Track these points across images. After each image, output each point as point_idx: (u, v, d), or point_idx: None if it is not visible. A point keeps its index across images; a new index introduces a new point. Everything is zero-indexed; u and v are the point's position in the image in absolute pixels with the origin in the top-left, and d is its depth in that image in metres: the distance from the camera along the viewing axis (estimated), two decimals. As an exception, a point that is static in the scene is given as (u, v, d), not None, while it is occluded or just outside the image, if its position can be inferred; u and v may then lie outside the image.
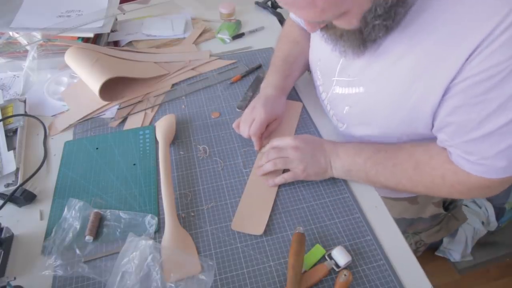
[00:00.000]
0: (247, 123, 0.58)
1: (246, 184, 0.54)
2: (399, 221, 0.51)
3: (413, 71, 0.42)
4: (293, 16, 0.70)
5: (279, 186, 0.55)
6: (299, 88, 0.72)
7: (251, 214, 0.50)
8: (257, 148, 0.59)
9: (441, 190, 0.48)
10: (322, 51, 0.57)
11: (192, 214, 0.52)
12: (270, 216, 0.51)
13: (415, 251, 0.48)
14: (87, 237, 0.48)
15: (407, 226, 0.78)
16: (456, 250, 1.10)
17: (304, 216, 0.51)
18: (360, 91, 0.50)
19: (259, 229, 0.49)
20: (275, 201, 0.52)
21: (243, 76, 0.75)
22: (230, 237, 0.49)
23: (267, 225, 0.50)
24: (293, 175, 0.53)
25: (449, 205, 0.86)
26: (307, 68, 0.68)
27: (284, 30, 0.72)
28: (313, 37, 0.61)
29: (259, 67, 0.77)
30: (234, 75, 0.75)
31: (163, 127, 0.62)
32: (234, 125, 0.61)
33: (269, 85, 0.63)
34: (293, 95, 0.70)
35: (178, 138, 0.63)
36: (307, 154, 0.52)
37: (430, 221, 0.81)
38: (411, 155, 0.49)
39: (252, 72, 0.76)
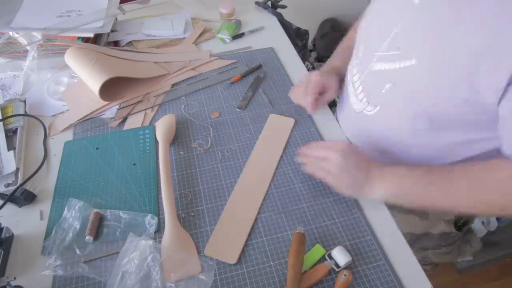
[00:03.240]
0: (302, 85, 0.61)
1: (225, 207, 0.51)
2: (405, 236, 0.48)
3: (485, 41, 0.38)
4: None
5: (277, 186, 0.55)
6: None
7: (227, 240, 0.48)
8: (310, 111, 0.61)
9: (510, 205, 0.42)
10: (377, 22, 0.54)
11: (192, 214, 0.51)
12: (271, 216, 0.51)
13: (422, 267, 0.46)
14: (87, 237, 0.48)
15: (414, 241, 0.72)
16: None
17: (304, 216, 0.51)
18: (411, 64, 0.46)
19: (233, 257, 0.46)
20: (255, 223, 0.49)
21: (243, 76, 0.75)
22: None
23: (268, 225, 0.50)
24: (327, 176, 0.50)
25: (462, 226, 0.80)
26: None
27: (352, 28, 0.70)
28: (373, 9, 0.57)
29: (259, 67, 0.77)
30: (234, 75, 0.75)
31: (163, 127, 0.62)
32: (289, 93, 0.66)
33: (327, 65, 0.67)
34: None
35: (178, 138, 0.63)
36: (351, 164, 0.48)
37: (439, 239, 0.75)
38: (470, 171, 0.44)
39: (252, 72, 0.76)
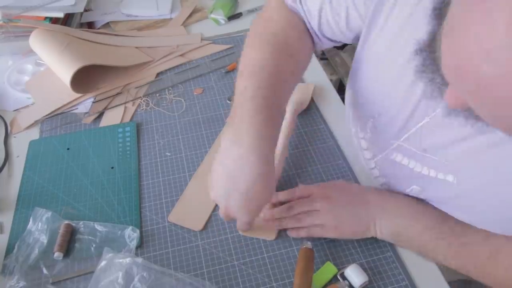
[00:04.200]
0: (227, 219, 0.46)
1: (194, 173, 0.56)
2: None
3: None
4: (292, 4, 0.49)
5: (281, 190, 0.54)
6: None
7: (194, 207, 0.52)
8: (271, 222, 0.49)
9: None
10: (391, 96, 0.42)
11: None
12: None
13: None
14: (56, 254, 0.48)
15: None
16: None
17: (313, 228, 0.51)
18: (445, 179, 0.41)
19: (198, 225, 0.51)
20: None
21: None
22: (226, 254, 0.49)
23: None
24: (323, 232, 0.47)
25: None
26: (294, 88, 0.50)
27: (268, 21, 0.50)
28: (379, 64, 0.43)
29: None
30: (230, 62, 0.75)
31: (293, 95, 0.52)
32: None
33: (254, 135, 0.41)
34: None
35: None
36: (342, 206, 0.47)
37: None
38: (489, 240, 0.42)
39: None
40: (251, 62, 0.45)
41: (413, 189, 0.46)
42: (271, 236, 0.50)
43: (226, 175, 0.42)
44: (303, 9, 0.48)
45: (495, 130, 0.30)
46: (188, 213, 0.52)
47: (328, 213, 0.47)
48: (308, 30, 0.50)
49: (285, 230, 0.50)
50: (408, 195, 0.48)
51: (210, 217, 0.52)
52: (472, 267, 0.44)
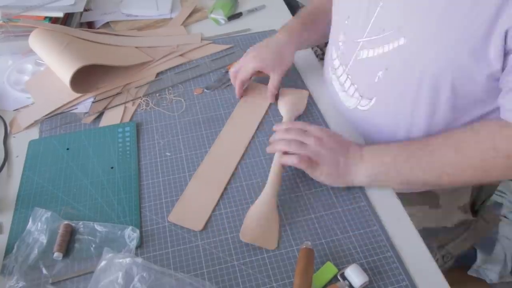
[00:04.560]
0: (236, 65, 0.65)
1: (194, 173, 0.57)
2: (421, 233, 0.51)
3: None
4: None
5: (281, 193, 0.54)
6: (305, 74, 0.72)
7: (194, 207, 0.53)
8: (237, 95, 0.66)
9: (496, 166, 0.47)
10: (354, 5, 0.55)
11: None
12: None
13: (442, 266, 0.49)
14: (56, 254, 0.48)
15: (431, 238, 0.76)
16: (493, 269, 1.09)
17: (313, 228, 0.51)
18: (400, 44, 0.49)
19: (198, 224, 0.51)
20: (221, 197, 0.54)
21: None
22: (226, 254, 0.49)
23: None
24: (305, 164, 0.51)
25: (480, 207, 0.84)
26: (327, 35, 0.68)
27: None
28: None
29: None
30: (230, 62, 0.75)
31: (290, 101, 0.65)
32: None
33: (283, 28, 0.66)
34: (298, 83, 0.70)
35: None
36: (328, 149, 0.52)
37: (456, 230, 0.80)
38: (449, 137, 0.49)
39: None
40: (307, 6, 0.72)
41: (379, 76, 0.53)
42: (272, 245, 0.49)
43: (270, 50, 0.64)
44: None
45: None
46: (188, 213, 0.52)
47: (314, 150, 0.51)
48: None
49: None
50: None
51: (210, 217, 0.52)
52: (448, 168, 0.49)
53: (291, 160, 0.52)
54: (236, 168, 0.58)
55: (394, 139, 0.58)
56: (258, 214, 0.51)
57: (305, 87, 0.70)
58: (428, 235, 0.72)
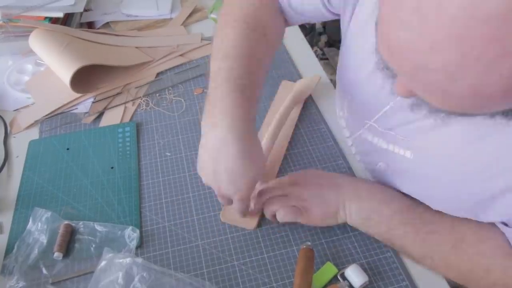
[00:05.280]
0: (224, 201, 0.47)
1: None
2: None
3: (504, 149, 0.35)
4: None
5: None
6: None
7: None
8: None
9: (479, 285, 0.43)
10: (365, 77, 0.45)
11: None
12: (273, 228, 0.51)
13: None
14: (56, 254, 0.48)
15: None
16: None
17: (313, 228, 0.51)
18: (404, 155, 0.43)
19: (251, 223, 0.50)
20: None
21: None
22: (225, 254, 0.49)
23: (270, 239, 0.50)
24: (293, 213, 0.47)
25: None
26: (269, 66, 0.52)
27: (241, 1, 0.51)
28: (355, 45, 0.46)
29: None
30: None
31: (296, 86, 0.65)
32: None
33: (229, 115, 0.41)
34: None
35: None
36: (311, 191, 0.48)
37: None
38: (455, 228, 0.44)
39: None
40: (224, 43, 0.46)
41: (380, 166, 0.48)
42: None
43: (210, 158, 0.43)
44: None
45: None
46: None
47: (297, 197, 0.47)
48: (280, 7, 0.52)
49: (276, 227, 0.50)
50: (379, 183, 0.50)
51: (262, 215, 0.51)
52: (436, 256, 0.44)
53: (279, 217, 0.48)
54: (281, 164, 0.58)
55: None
56: None
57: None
58: None
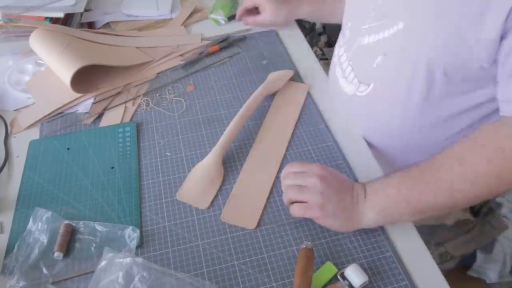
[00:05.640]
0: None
1: (240, 171, 0.57)
2: (419, 230, 0.50)
3: None
4: None
5: (279, 194, 0.54)
6: (305, 75, 0.72)
7: (244, 205, 0.53)
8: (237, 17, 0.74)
9: (509, 168, 0.44)
10: None
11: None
12: (273, 228, 0.51)
13: (440, 266, 0.48)
14: (56, 254, 0.48)
15: (428, 235, 0.76)
16: (493, 269, 1.09)
17: (313, 228, 0.51)
18: (398, 28, 0.51)
19: (252, 223, 0.51)
20: (271, 193, 0.55)
21: (222, 47, 0.77)
22: (226, 254, 0.49)
23: (269, 239, 0.50)
24: (305, 210, 0.48)
25: (480, 209, 0.82)
26: (340, 15, 0.68)
27: None
28: None
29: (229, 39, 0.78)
30: (231, 62, 0.75)
31: (269, 77, 0.69)
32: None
33: None
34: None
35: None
36: (332, 189, 0.48)
37: (456, 229, 0.79)
38: (448, 151, 0.48)
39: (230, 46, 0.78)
40: None
41: (378, 61, 0.54)
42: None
43: None
44: None
45: None
46: (240, 212, 0.52)
47: (316, 191, 0.48)
48: None
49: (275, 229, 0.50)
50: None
51: (262, 214, 0.52)
52: (458, 182, 0.45)
53: (299, 213, 0.49)
54: (281, 163, 0.58)
55: (389, 126, 0.59)
56: (198, 175, 0.56)
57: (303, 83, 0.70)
58: (426, 232, 0.70)
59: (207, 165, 0.56)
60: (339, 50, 0.64)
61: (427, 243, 0.49)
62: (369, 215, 0.48)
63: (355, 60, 0.59)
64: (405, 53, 0.51)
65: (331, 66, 0.69)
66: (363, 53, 0.57)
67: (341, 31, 0.67)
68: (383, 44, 0.53)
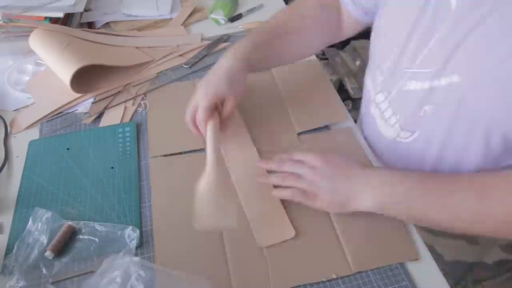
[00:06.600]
0: (189, 109, 0.54)
1: (239, 196, 0.53)
2: (454, 265, 0.47)
3: None
4: None
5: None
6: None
7: (271, 219, 0.51)
8: (196, 132, 0.54)
9: None
10: (405, 33, 0.49)
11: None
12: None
13: None
14: (47, 253, 0.48)
15: (465, 271, 0.68)
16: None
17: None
18: (452, 81, 0.44)
19: (290, 231, 0.49)
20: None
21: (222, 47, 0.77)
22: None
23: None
24: (299, 198, 0.50)
25: None
26: (305, 53, 0.64)
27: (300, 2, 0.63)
28: (392, 12, 0.52)
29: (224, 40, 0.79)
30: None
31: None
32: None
33: (231, 53, 0.56)
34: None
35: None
36: (325, 177, 0.49)
37: (496, 268, 0.69)
38: (474, 179, 0.44)
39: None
40: (264, 23, 0.62)
41: (426, 110, 0.49)
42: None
43: (218, 77, 0.54)
44: None
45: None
46: (271, 229, 0.50)
47: (309, 181, 0.49)
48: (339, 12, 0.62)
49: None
50: (390, 168, 0.51)
51: (290, 217, 0.50)
52: (465, 214, 0.43)
53: (285, 193, 0.50)
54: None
55: (438, 170, 0.53)
56: (209, 197, 0.49)
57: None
58: (462, 268, 0.65)
59: (212, 181, 0.50)
60: (375, 88, 0.57)
61: (464, 279, 0.45)
62: (366, 202, 0.47)
63: (397, 104, 0.53)
64: (460, 110, 0.45)
65: (364, 101, 0.63)
66: (407, 98, 0.51)
67: (373, 65, 0.59)
68: (433, 94, 0.47)
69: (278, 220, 0.51)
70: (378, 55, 0.57)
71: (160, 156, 0.58)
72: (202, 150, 0.58)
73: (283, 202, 0.52)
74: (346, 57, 1.42)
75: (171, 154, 0.59)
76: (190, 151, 0.59)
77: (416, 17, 0.47)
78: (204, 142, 0.54)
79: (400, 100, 0.52)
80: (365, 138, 0.62)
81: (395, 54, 0.52)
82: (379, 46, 0.57)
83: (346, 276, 0.46)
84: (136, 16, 0.85)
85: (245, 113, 0.64)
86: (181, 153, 0.59)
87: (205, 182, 0.49)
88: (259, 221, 0.51)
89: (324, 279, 0.46)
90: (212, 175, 0.49)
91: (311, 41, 0.62)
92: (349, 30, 0.64)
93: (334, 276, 0.46)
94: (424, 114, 0.49)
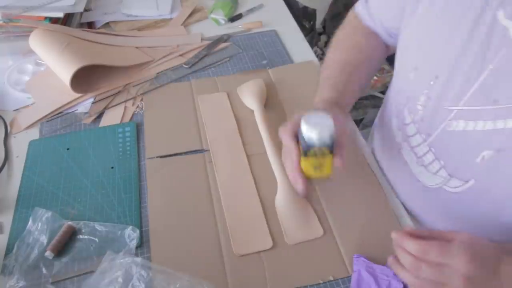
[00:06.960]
0: (286, 157, 0.47)
1: (221, 198, 0.53)
2: None
3: None
4: (360, 10, 0.59)
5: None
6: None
7: (248, 229, 0.50)
8: (301, 192, 0.46)
9: None
10: (446, 64, 0.43)
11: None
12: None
13: None
14: (47, 253, 0.48)
15: None
16: None
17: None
18: None
19: (267, 242, 0.49)
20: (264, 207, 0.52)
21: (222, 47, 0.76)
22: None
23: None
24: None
25: None
26: (370, 78, 0.60)
27: (344, 29, 0.61)
28: (427, 31, 0.45)
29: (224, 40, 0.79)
30: (231, 62, 0.75)
31: (252, 90, 0.65)
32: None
33: (318, 101, 0.52)
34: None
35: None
36: (470, 274, 0.36)
37: None
38: None
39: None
40: (328, 61, 0.59)
41: (484, 156, 0.42)
42: (319, 232, 0.49)
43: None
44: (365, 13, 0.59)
45: None
46: (248, 238, 0.49)
47: (451, 276, 0.36)
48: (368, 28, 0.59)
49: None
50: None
51: (270, 229, 0.50)
52: None
53: (411, 281, 0.38)
54: (256, 176, 0.55)
55: (495, 222, 0.46)
56: (290, 213, 0.51)
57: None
58: None
59: (287, 196, 0.51)
60: (407, 129, 0.50)
61: None
62: None
63: (441, 148, 0.46)
64: None
65: (391, 141, 0.55)
66: (456, 141, 0.44)
67: (399, 102, 0.52)
68: (493, 137, 0.40)
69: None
70: (408, 90, 0.50)
71: (156, 157, 0.58)
72: (198, 151, 0.59)
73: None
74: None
75: (167, 156, 0.59)
76: (185, 153, 0.59)
77: (461, 47, 0.41)
78: (201, 143, 0.56)
79: (445, 144, 0.46)
80: (384, 175, 0.57)
81: (433, 88, 0.45)
82: (406, 81, 0.50)
83: (346, 276, 0.46)
84: (136, 16, 0.85)
85: (243, 114, 0.64)
86: (176, 154, 0.59)
87: (281, 199, 0.52)
88: (237, 228, 0.50)
89: (321, 281, 0.46)
90: (286, 191, 0.52)
91: (370, 69, 0.60)
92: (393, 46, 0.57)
93: (331, 278, 0.46)
94: (482, 161, 0.42)
